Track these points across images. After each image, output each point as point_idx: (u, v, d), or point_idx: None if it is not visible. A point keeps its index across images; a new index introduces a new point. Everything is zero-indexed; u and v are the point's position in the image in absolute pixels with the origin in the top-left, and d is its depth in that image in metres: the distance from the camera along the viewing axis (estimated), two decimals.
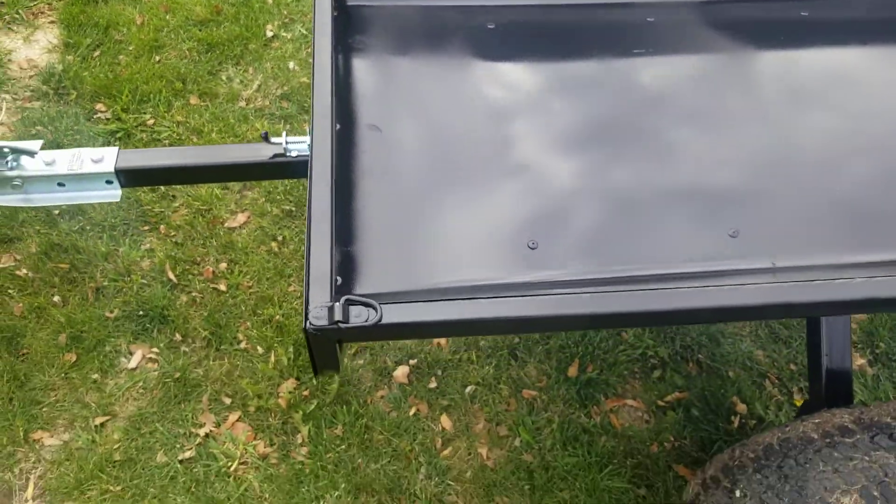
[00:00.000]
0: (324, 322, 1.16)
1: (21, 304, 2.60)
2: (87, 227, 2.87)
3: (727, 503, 1.70)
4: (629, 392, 2.57)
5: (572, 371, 2.57)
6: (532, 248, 1.72)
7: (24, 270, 2.71)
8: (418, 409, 2.43)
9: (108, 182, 2.07)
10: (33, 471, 2.26)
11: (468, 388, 2.49)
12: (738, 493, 1.67)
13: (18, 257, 2.76)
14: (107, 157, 2.05)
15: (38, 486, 2.22)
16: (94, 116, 3.32)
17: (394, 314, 1.18)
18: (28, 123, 3.23)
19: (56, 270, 2.71)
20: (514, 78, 1.91)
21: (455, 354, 2.56)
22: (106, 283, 2.67)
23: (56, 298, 2.63)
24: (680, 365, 2.61)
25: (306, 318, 1.15)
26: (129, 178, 2.04)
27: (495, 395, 2.49)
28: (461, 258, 1.71)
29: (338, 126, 1.68)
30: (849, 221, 1.64)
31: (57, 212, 2.89)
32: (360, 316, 1.14)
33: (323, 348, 1.20)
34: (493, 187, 1.84)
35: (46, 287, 2.66)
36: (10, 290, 2.65)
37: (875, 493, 1.40)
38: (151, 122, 3.28)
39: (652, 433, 2.44)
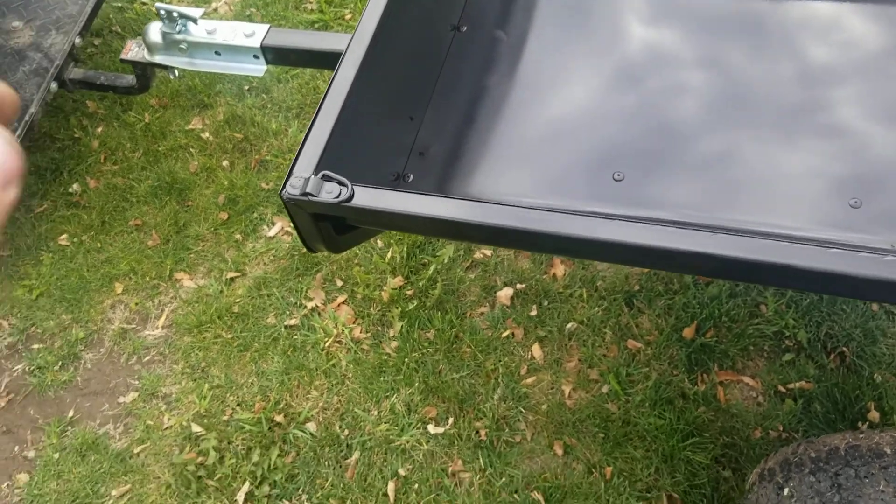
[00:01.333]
0: (296, 192, 1.19)
1: (197, 163, 2.92)
2: (268, 105, 3.12)
3: (775, 500, 1.52)
4: (748, 369, 2.33)
5: (688, 332, 2.38)
6: (617, 181, 1.62)
7: (207, 134, 3.02)
8: (513, 333, 2.40)
9: (255, 57, 2.22)
10: (169, 304, 2.58)
11: (569, 325, 2.40)
12: (786, 492, 1.49)
13: (206, 122, 3.08)
14: (257, 33, 2.19)
15: (168, 317, 2.54)
16: (302, 6, 3.54)
17: (366, 197, 1.17)
18: (245, 6, 3.54)
19: (231, 139, 2.99)
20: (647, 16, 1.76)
21: (567, 289, 2.48)
22: (269, 158, 2.90)
23: (225, 163, 2.92)
24: (818, 353, 2.31)
25: (283, 186, 1.19)
26: (273, 55, 2.17)
27: (597, 337, 2.38)
28: (524, 176, 1.65)
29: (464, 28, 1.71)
30: None
31: (247, 87, 3.17)
32: (331, 192, 1.15)
33: (302, 221, 1.23)
34: (585, 111, 1.73)
35: (220, 152, 2.96)
36: (192, 149, 2.98)
37: None
38: (349, 17, 3.44)
39: (759, 418, 2.20)
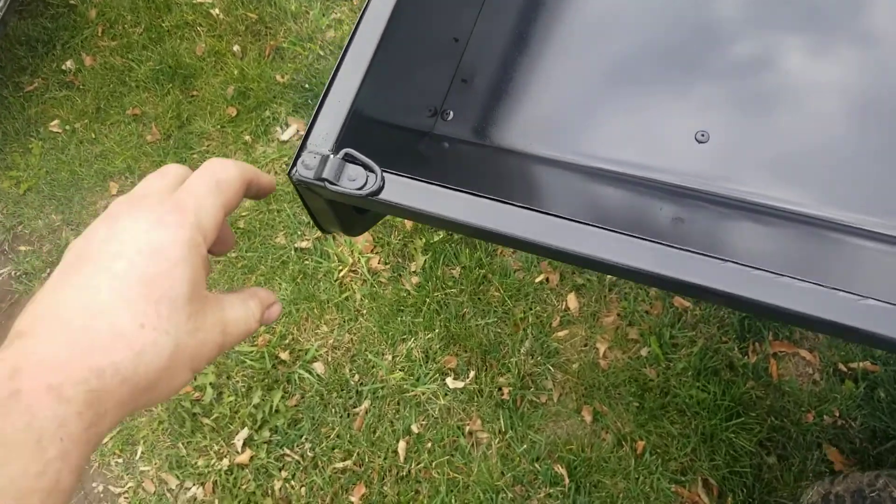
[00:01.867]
0: (308, 175, 0.89)
1: (204, 45, 2.58)
2: None
3: None
4: (807, 341, 2.09)
5: None
6: (700, 142, 1.30)
7: (217, 11, 2.66)
8: (547, 279, 2.15)
9: None
10: None
11: None
12: None
13: None
14: None
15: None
16: None
17: (400, 190, 0.88)
18: None
19: (245, 18, 2.63)
20: None
21: None
22: (286, 45, 2.55)
23: (236, 48, 2.57)
24: None
25: (294, 164, 0.89)
26: None
27: (641, 291, 2.13)
28: (585, 124, 1.34)
29: None
30: None
31: None
32: (354, 180, 0.85)
33: (314, 204, 0.94)
34: (670, 50, 1.37)
35: (231, 34, 2.60)
36: (199, 28, 2.63)
37: None
38: None
39: (814, 399, 1.98)
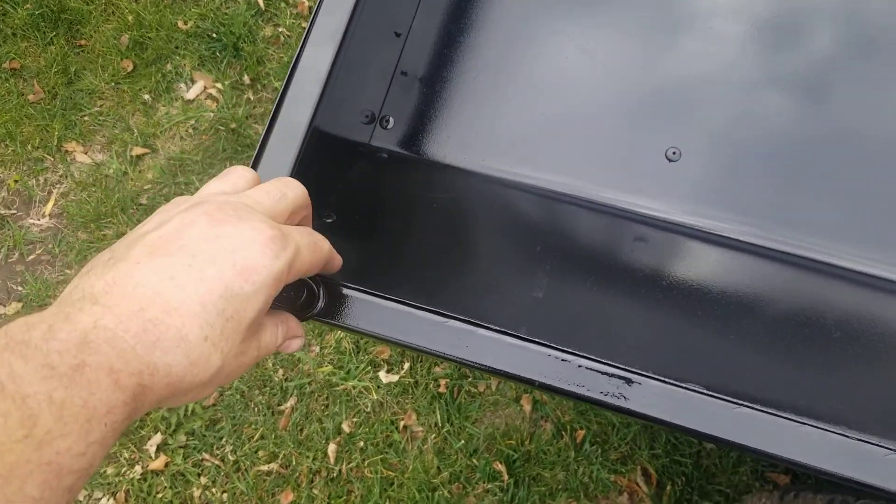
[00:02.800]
0: None
1: None
2: None
3: None
4: None
5: None
6: (671, 161, 1.19)
7: None
8: None
9: None
10: (58, 185, 2.08)
11: None
12: None
13: None
14: None
15: (58, 203, 2.06)
16: None
17: (340, 308, 0.75)
18: None
19: None
20: None
21: None
22: None
23: None
24: None
25: None
26: None
27: None
28: (539, 139, 1.22)
29: None
30: None
31: None
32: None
33: None
34: (637, 46, 1.25)
35: None
36: None
37: None
38: None
39: None
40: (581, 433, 1.90)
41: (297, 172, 0.83)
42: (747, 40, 1.19)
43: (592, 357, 0.69)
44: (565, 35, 1.26)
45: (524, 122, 1.23)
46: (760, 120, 1.16)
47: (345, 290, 0.77)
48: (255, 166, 0.83)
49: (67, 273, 1.99)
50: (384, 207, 1.22)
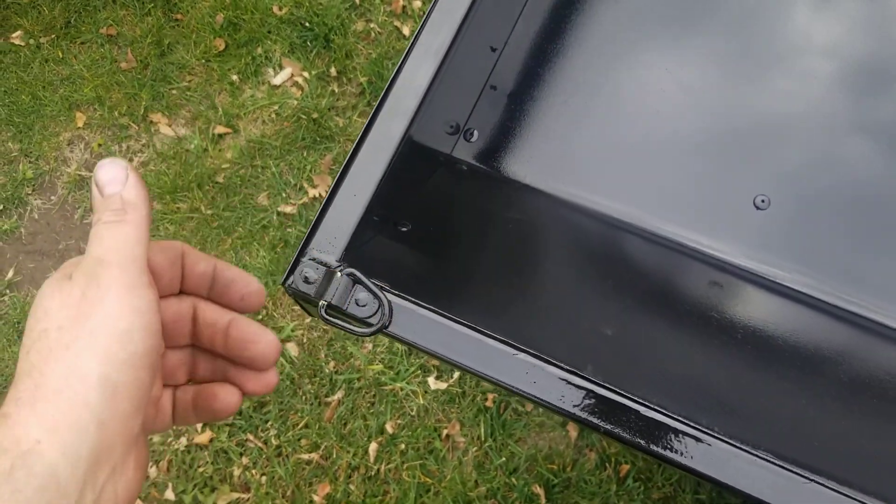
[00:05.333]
0: (309, 291, 0.77)
1: None
2: None
3: None
4: None
5: None
6: (759, 209, 1.19)
7: None
8: None
9: None
10: (140, 153, 2.18)
11: None
12: None
13: None
14: None
15: (138, 171, 2.14)
16: None
17: (410, 325, 0.77)
18: None
19: None
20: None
21: None
22: None
23: None
24: None
25: (289, 270, 0.77)
26: None
27: None
28: (632, 170, 1.23)
29: None
30: None
31: None
32: (364, 306, 0.74)
33: (313, 311, 0.83)
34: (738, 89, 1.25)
35: None
36: None
37: None
38: None
39: None
40: (625, 467, 1.90)
41: (385, 184, 0.86)
42: (839, 82, 1.18)
43: (661, 409, 0.71)
44: (662, 67, 1.27)
45: (610, 151, 1.25)
46: (846, 169, 1.16)
47: (414, 307, 0.80)
48: (344, 173, 0.87)
49: None
50: (459, 221, 1.26)
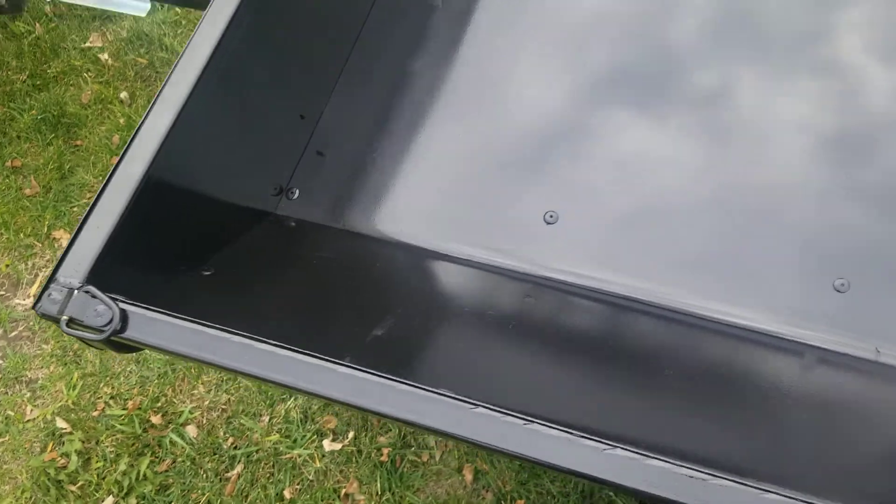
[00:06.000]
0: (53, 311, 0.92)
1: (91, 92, 2.61)
2: (182, 22, 2.75)
3: None
4: None
5: None
6: (549, 223, 1.35)
7: (106, 56, 2.69)
8: None
9: None
10: (44, 269, 2.34)
11: None
12: None
13: (107, 39, 2.73)
14: None
15: (42, 284, 2.29)
16: None
17: (145, 327, 0.91)
18: None
19: (134, 64, 2.66)
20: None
21: None
22: None
23: (124, 94, 2.60)
24: None
25: (40, 294, 0.93)
26: None
27: None
28: (443, 205, 1.39)
29: None
30: None
31: None
32: (101, 316, 0.88)
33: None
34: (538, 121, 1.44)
35: (119, 79, 2.63)
36: (87, 74, 2.66)
37: None
38: None
39: None
40: (521, 503, 1.97)
41: (128, 219, 1.02)
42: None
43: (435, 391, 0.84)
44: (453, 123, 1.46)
45: (411, 191, 1.42)
46: (631, 180, 1.33)
47: (154, 314, 0.94)
48: (90, 212, 1.03)
49: (44, 348, 2.21)
50: (267, 264, 1.41)
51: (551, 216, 1.33)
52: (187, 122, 1.09)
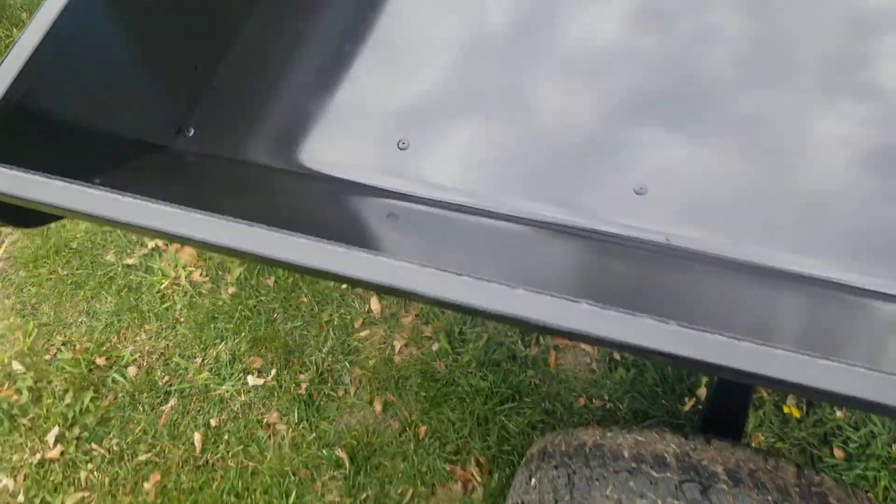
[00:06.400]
0: None
1: None
2: None
3: (524, 488, 1.54)
4: None
5: None
6: (402, 149, 1.59)
7: None
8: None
9: None
10: (10, 235, 2.61)
11: None
12: (532, 482, 1.51)
13: None
14: None
15: (8, 250, 2.58)
16: None
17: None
18: None
19: None
20: None
21: None
22: None
23: None
24: None
25: None
26: None
27: None
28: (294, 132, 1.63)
29: None
30: (804, 213, 1.30)
31: None
32: None
33: None
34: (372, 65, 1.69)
35: None
36: None
37: None
38: None
39: (587, 385, 2.25)
40: (423, 429, 2.20)
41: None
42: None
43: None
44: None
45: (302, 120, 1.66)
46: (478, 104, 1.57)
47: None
48: None
49: (5, 303, 2.49)
50: (161, 189, 1.66)
51: (404, 144, 1.58)
52: (61, 41, 1.32)
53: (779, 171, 1.34)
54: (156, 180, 1.63)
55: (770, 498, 1.25)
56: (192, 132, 1.72)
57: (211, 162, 1.71)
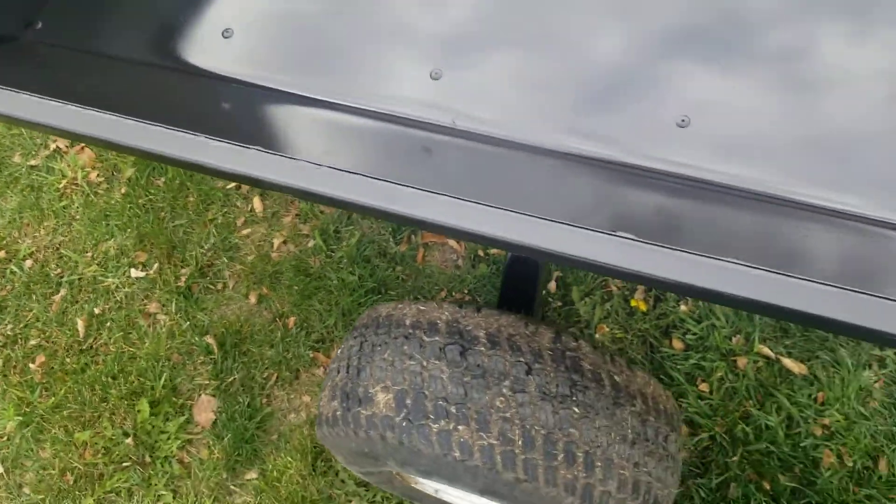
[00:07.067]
0: None
1: None
2: None
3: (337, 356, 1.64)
4: None
5: None
6: (435, 79, 1.49)
7: None
8: (239, 185, 2.55)
9: None
10: None
11: None
12: (338, 352, 1.64)
13: None
14: None
15: None
16: None
17: None
18: None
19: None
20: None
21: None
22: None
23: None
24: None
25: None
26: None
27: None
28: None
29: None
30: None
31: None
32: None
33: None
34: None
35: None
36: None
37: (407, 402, 1.32)
38: None
39: (450, 280, 2.37)
40: (293, 319, 2.35)
41: None
42: None
43: None
44: None
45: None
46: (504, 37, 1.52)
47: None
48: None
49: None
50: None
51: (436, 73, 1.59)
52: None
53: (819, 104, 1.29)
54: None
55: (523, 359, 1.36)
56: (40, 25, 1.78)
57: (64, 54, 1.76)
